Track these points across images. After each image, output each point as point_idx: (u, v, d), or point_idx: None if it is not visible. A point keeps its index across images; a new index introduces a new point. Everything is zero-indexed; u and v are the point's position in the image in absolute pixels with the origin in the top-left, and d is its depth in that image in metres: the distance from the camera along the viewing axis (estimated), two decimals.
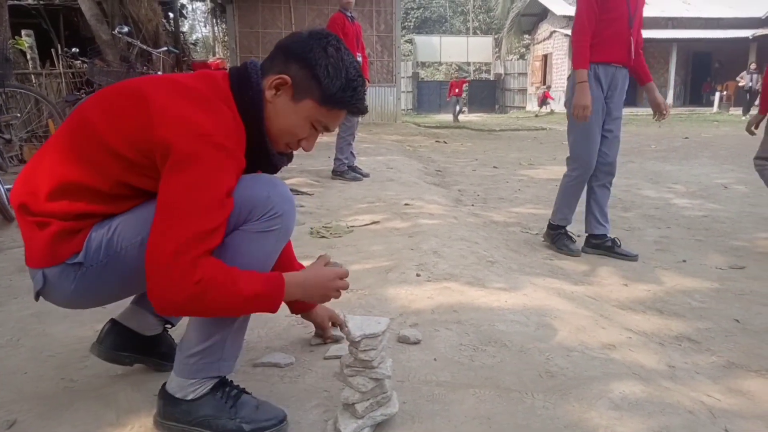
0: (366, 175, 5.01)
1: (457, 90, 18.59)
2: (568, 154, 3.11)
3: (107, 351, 1.42)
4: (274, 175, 1.30)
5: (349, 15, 4.76)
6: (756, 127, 3.51)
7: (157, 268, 1.01)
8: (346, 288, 1.29)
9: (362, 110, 1.25)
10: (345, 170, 4.96)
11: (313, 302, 1.27)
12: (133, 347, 1.44)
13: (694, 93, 22.21)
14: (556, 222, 3.21)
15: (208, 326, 1.16)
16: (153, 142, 1.05)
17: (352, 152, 5.05)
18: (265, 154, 1.22)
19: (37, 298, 1.19)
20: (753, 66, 16.36)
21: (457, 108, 18.57)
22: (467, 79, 19.90)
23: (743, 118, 14.05)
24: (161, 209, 1.03)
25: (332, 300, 1.29)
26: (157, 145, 1.05)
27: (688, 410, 1.37)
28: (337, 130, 4.94)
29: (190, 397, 1.20)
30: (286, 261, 1.48)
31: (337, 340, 1.67)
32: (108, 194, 1.12)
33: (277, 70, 1.18)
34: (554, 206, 3.23)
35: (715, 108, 19.28)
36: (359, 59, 4.75)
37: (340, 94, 1.18)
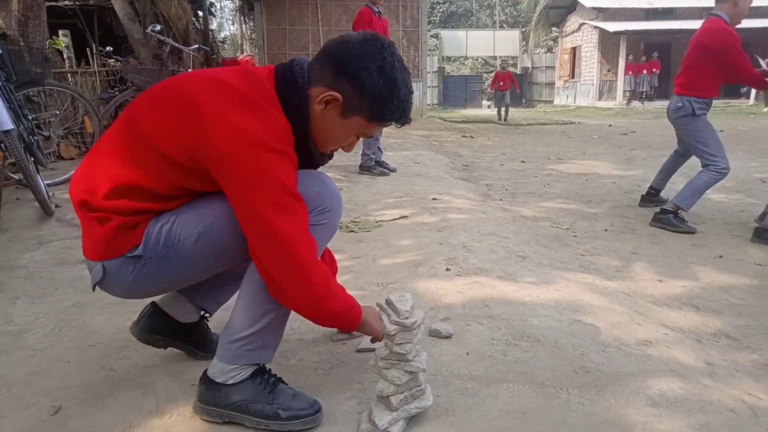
0: (393, 170, 5.01)
1: (501, 83, 15.26)
2: (712, 156, 3.49)
3: (141, 332, 1.48)
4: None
5: (376, 10, 4.76)
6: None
7: (281, 273, 1.11)
8: None
9: (407, 122, 1.26)
10: (372, 165, 4.97)
11: (377, 334, 1.34)
12: (168, 332, 1.49)
13: (729, 85, 21.53)
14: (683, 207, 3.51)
15: (253, 314, 1.21)
16: (208, 152, 1.08)
17: (379, 147, 5.06)
18: (308, 155, 1.24)
19: (94, 288, 1.25)
20: None
21: (503, 105, 15.32)
22: (511, 71, 17.26)
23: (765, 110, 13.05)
24: (249, 219, 1.09)
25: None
26: (212, 155, 1.08)
27: (729, 409, 1.34)
28: None
29: (230, 382, 1.23)
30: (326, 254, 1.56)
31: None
32: (164, 195, 1.17)
33: (327, 83, 1.16)
34: (685, 193, 3.53)
35: (752, 100, 18.65)
36: None
37: (390, 114, 1.20)
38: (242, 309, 1.22)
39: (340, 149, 1.31)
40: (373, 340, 1.60)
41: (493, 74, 26.09)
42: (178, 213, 1.18)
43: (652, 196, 4.14)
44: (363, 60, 1.14)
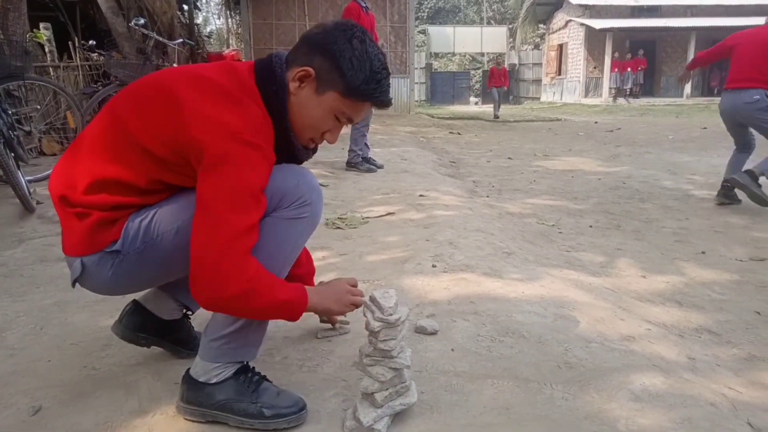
0: (380, 167, 5.00)
1: (502, 79, 14.80)
2: None
3: (124, 330, 1.46)
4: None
5: (364, 5, 4.74)
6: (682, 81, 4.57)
7: (204, 265, 1.04)
8: (360, 298, 1.33)
9: (386, 103, 1.24)
10: (359, 161, 4.96)
11: (331, 314, 1.33)
12: (151, 329, 1.47)
13: (715, 83, 21.80)
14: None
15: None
16: (186, 143, 1.08)
17: (366, 144, 5.04)
18: (289, 148, 1.23)
19: (74, 285, 1.23)
20: None
21: (497, 101, 14.93)
22: (505, 66, 16.19)
23: None
24: (201, 209, 1.06)
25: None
26: (190, 146, 1.08)
27: (709, 403, 1.35)
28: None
29: (213, 381, 1.22)
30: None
31: (344, 329, 1.69)
32: (143, 189, 1.16)
33: (301, 62, 1.18)
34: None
35: None
36: None
37: (364, 86, 1.17)
38: None
39: (325, 142, 1.29)
40: (330, 320, 1.66)
41: (481, 71, 26.15)
42: (158, 208, 1.18)
43: (728, 190, 4.11)
44: (333, 34, 1.17)
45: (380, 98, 1.21)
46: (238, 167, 1.06)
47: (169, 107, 1.11)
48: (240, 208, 1.06)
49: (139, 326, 1.46)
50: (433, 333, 1.66)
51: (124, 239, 1.15)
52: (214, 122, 1.07)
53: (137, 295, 1.46)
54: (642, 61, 20.44)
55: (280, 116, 1.18)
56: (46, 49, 5.95)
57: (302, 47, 1.20)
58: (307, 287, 1.21)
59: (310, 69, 1.17)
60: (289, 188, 1.18)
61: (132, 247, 1.16)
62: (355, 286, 1.36)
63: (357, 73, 1.16)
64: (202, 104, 1.09)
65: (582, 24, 21.25)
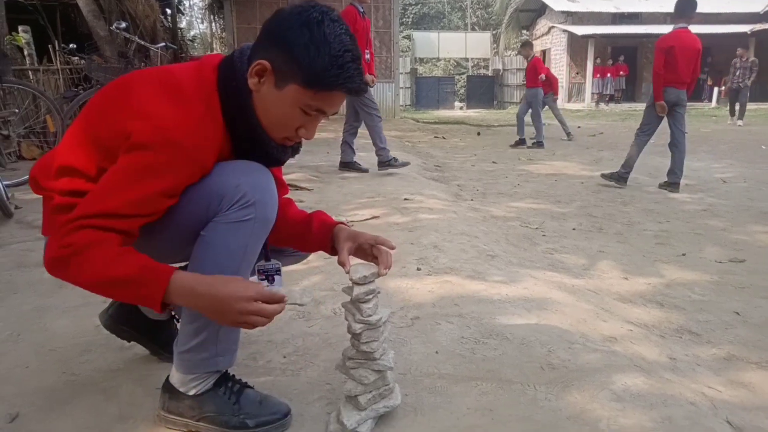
0: (365, 171, 5.00)
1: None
2: None
3: (109, 320, 1.45)
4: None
5: (361, 10, 4.72)
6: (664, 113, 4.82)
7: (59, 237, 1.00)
8: (259, 314, 1.00)
9: (357, 89, 1.09)
10: (391, 159, 4.89)
11: (208, 317, 1.04)
12: (135, 325, 1.46)
13: (692, 88, 22.19)
14: None
15: (196, 322, 1.15)
16: (121, 132, 1.05)
17: (352, 147, 5.04)
18: (260, 148, 1.16)
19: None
20: (744, 58, 13.99)
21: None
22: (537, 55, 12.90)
23: (729, 122, 12.62)
24: (97, 185, 1.04)
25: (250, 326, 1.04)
26: (123, 134, 1.04)
27: (689, 402, 1.37)
28: (362, 124, 4.93)
29: (192, 393, 1.20)
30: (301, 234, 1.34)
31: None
32: (96, 178, 1.12)
33: (260, 55, 1.08)
34: None
35: (714, 103, 19.26)
36: (367, 56, 4.75)
37: (325, 73, 1.04)
38: (187, 318, 1.16)
39: (303, 140, 1.21)
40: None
41: (465, 76, 26.07)
42: None
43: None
44: (287, 21, 1.06)
45: (347, 85, 1.07)
46: (145, 158, 1.01)
47: (120, 97, 1.10)
48: (118, 191, 1.01)
49: (125, 319, 1.44)
50: (302, 305, 1.25)
51: None
52: (145, 114, 1.04)
53: None
54: (623, 66, 20.76)
55: (242, 115, 1.11)
56: (26, 53, 5.87)
57: (260, 39, 1.10)
58: (185, 273, 1.04)
59: (266, 62, 1.06)
60: (228, 189, 1.08)
61: None
62: (265, 300, 1.01)
63: (315, 61, 1.03)
64: (146, 98, 1.06)
65: (564, 30, 21.52)
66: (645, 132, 5.01)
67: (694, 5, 4.79)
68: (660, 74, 4.78)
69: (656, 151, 7.88)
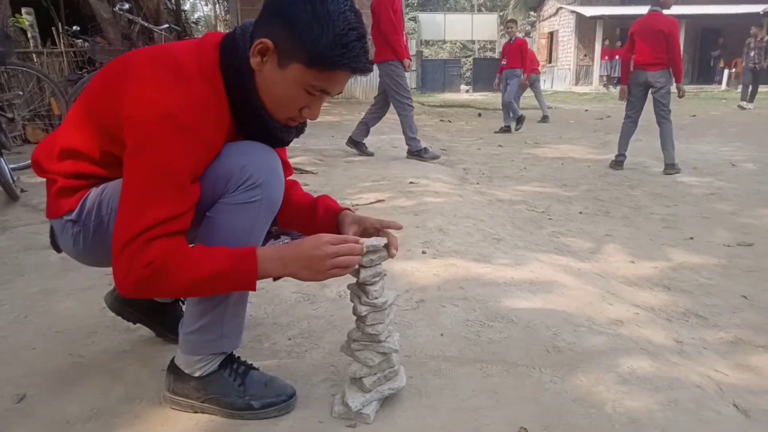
0: (371, 154, 4.97)
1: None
2: None
3: (114, 302, 1.47)
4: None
5: None
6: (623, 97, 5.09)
7: (114, 254, 0.99)
8: (347, 258, 1.06)
9: (361, 69, 1.05)
10: (422, 149, 4.82)
11: (303, 279, 1.07)
12: (141, 307, 1.47)
13: (703, 71, 21.89)
14: None
15: (201, 304, 1.14)
16: (121, 116, 1.02)
17: (368, 130, 4.97)
18: (264, 128, 1.14)
19: (53, 246, 1.26)
20: (759, 38, 12.15)
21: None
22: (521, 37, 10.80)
23: (742, 104, 11.93)
24: (124, 193, 1.00)
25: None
26: (123, 119, 1.02)
27: (696, 385, 1.36)
28: (391, 110, 4.87)
29: (197, 374, 1.20)
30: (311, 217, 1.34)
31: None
32: (99, 160, 1.12)
33: (261, 33, 1.05)
34: None
35: (724, 86, 19.02)
36: (404, 40, 4.71)
37: (329, 53, 1.01)
38: (193, 300, 1.16)
39: (309, 120, 1.18)
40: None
41: (472, 59, 25.71)
42: (112, 184, 1.13)
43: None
44: None
45: (351, 64, 1.03)
46: (166, 152, 0.98)
47: (119, 77, 1.07)
48: (159, 195, 0.98)
49: (130, 301, 1.45)
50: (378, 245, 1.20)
51: (80, 209, 1.14)
52: (147, 101, 1.00)
53: None
54: None
55: (244, 95, 1.08)
56: (29, 35, 5.84)
57: (263, 15, 1.06)
58: (264, 248, 1.07)
59: (268, 41, 1.03)
60: (235, 170, 1.07)
61: (88, 220, 1.14)
62: (340, 242, 1.06)
63: (318, 39, 1.00)
64: (145, 80, 1.02)
65: (572, 11, 21.22)
66: (629, 116, 5.16)
67: None
68: (623, 59, 5.16)
69: None
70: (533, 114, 9.68)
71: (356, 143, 4.99)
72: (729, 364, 1.60)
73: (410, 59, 4.81)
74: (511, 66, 8.26)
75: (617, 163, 5.13)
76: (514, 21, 9.11)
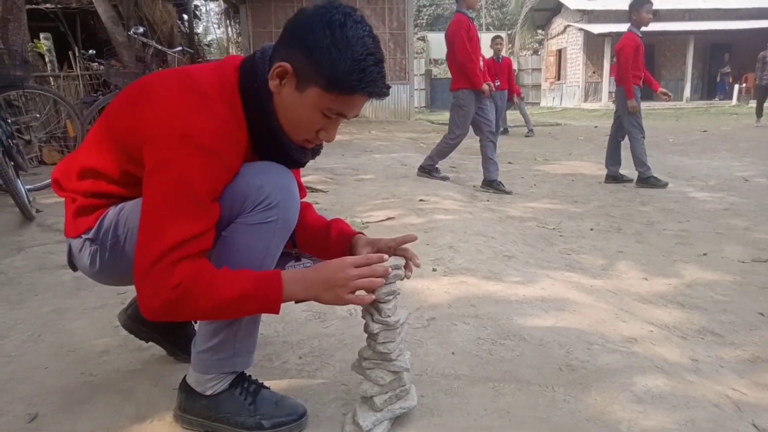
0: (508, 193, 4.76)
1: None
2: None
3: (128, 320, 1.48)
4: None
5: (471, 17, 4.70)
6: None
7: (138, 276, 1.00)
8: (369, 281, 1.07)
9: (378, 93, 1.07)
10: (432, 169, 4.98)
11: (325, 302, 1.08)
12: (153, 325, 1.47)
13: (712, 86, 21.83)
14: None
15: (215, 323, 1.15)
16: (141, 136, 1.04)
17: (495, 161, 4.89)
18: (280, 149, 1.15)
19: (69, 265, 1.27)
20: None
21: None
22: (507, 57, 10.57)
23: (756, 124, 11.88)
24: (144, 213, 1.01)
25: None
26: (143, 139, 1.03)
27: (713, 404, 1.34)
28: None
29: (208, 393, 1.20)
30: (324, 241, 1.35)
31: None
32: (118, 180, 1.14)
33: (281, 56, 1.07)
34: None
35: (734, 101, 18.93)
36: (481, 64, 4.68)
37: (346, 77, 1.02)
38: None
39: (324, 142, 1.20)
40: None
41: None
42: (130, 203, 1.15)
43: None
44: (309, 21, 1.04)
45: (369, 89, 1.05)
46: (186, 172, 0.99)
47: (140, 98, 1.09)
48: (182, 216, 0.99)
49: (143, 319, 1.45)
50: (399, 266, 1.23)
51: (98, 228, 1.15)
52: (168, 121, 1.01)
53: None
54: None
55: (262, 117, 1.10)
56: (47, 59, 5.98)
57: (282, 39, 1.08)
58: (288, 271, 1.08)
59: (287, 65, 1.04)
60: (252, 191, 1.07)
61: (105, 238, 1.15)
62: (361, 264, 1.07)
63: (336, 64, 1.01)
64: (165, 101, 1.04)
65: (580, 29, 21.31)
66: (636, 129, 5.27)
67: (633, 6, 5.01)
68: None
69: (675, 150, 7.77)
70: (517, 131, 9.87)
71: (491, 183, 4.88)
72: (746, 382, 1.57)
73: (491, 85, 4.73)
74: (504, 88, 8.41)
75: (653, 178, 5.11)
76: (500, 37, 9.14)
